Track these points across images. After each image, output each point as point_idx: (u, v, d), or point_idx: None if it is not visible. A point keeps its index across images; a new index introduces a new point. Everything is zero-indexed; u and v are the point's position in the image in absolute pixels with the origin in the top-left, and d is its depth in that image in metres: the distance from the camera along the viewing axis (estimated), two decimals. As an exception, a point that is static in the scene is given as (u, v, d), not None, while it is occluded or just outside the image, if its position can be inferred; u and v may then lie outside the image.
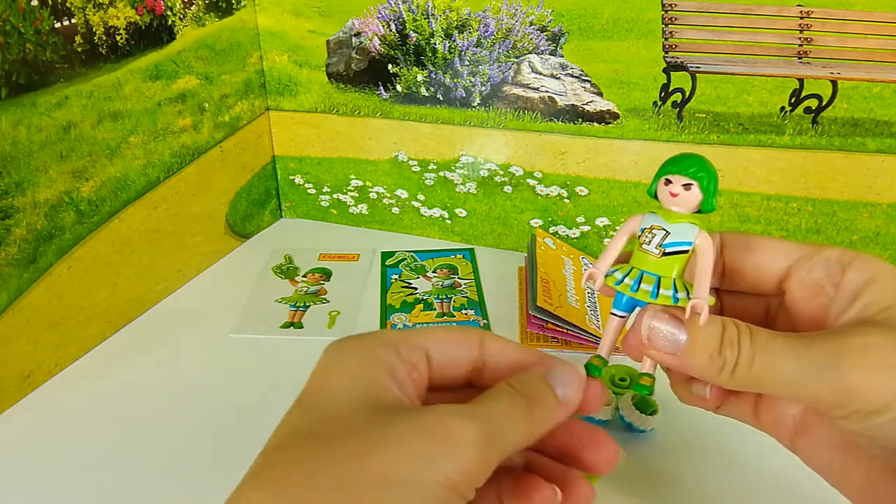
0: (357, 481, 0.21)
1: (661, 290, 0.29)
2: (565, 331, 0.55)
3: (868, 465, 0.27)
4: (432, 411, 0.23)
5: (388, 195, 0.74)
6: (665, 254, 0.29)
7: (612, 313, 0.31)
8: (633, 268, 0.30)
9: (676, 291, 0.29)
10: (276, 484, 0.22)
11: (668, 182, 0.29)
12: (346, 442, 0.22)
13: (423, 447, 0.22)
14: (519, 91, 0.64)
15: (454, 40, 0.64)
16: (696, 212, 0.29)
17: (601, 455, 0.29)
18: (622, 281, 0.30)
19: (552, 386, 0.27)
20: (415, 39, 0.65)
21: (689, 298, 0.28)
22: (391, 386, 0.25)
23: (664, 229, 0.29)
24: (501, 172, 0.68)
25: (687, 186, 0.29)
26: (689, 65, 0.58)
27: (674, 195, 0.29)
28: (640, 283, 0.29)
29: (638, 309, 0.30)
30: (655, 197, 0.30)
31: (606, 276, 0.30)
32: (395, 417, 0.23)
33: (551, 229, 0.69)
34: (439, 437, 0.22)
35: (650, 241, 0.30)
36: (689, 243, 0.29)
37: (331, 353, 0.27)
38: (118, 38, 0.55)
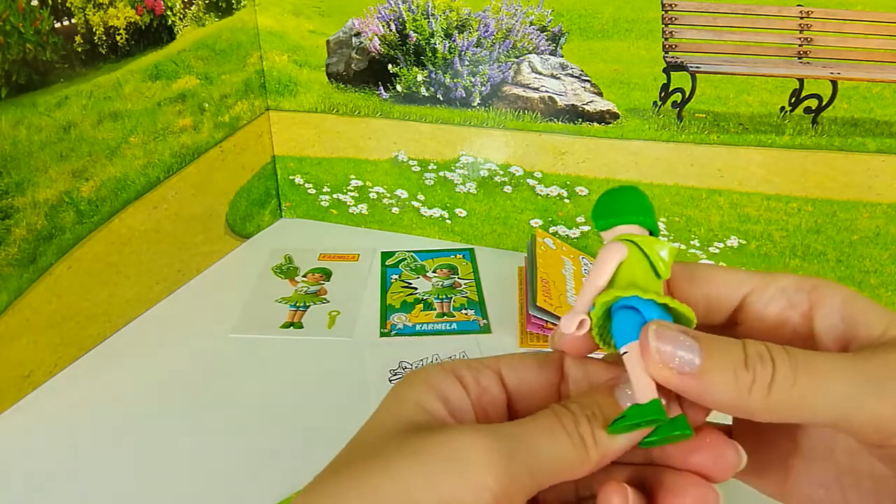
0: (348, 500, 0.21)
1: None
2: (565, 331, 0.55)
3: (875, 494, 0.24)
4: (452, 429, 0.22)
5: (388, 195, 0.74)
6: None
7: (622, 353, 0.24)
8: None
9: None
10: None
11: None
12: (357, 463, 0.22)
13: (424, 466, 0.21)
14: (519, 91, 0.64)
15: (454, 40, 0.64)
16: None
17: (715, 458, 0.24)
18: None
19: (619, 399, 0.23)
20: (415, 39, 0.65)
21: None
22: (434, 408, 0.24)
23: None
24: (501, 172, 0.68)
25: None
26: (689, 65, 0.58)
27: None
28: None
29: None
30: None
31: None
32: (412, 437, 0.22)
33: (551, 229, 0.69)
34: (443, 454, 0.21)
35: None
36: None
37: (401, 384, 0.25)
38: (118, 38, 0.55)
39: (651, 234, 0.25)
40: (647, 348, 0.22)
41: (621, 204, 0.26)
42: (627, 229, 0.25)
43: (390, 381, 0.53)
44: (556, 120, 0.64)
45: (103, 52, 0.54)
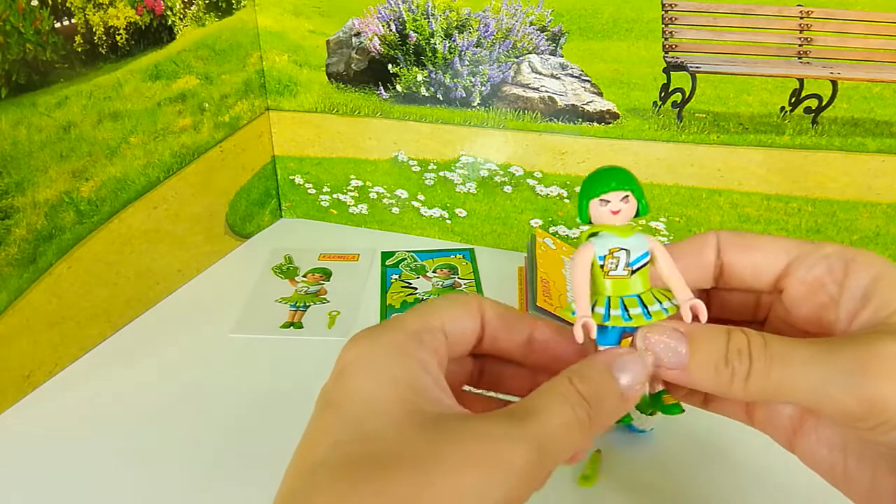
0: None
1: (649, 308, 0.28)
2: (565, 331, 0.55)
3: (874, 464, 0.26)
4: (482, 431, 0.22)
5: (388, 195, 0.74)
6: (633, 271, 0.28)
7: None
8: (609, 297, 0.28)
9: (661, 302, 0.28)
10: None
11: (605, 202, 0.28)
12: (399, 472, 0.21)
13: (476, 478, 0.21)
14: (519, 91, 0.64)
15: (454, 40, 0.64)
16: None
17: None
18: (610, 315, 0.28)
19: (617, 380, 0.25)
20: (415, 39, 0.65)
21: (675, 304, 0.27)
22: (429, 386, 0.24)
23: (624, 249, 0.28)
24: (501, 172, 0.68)
25: (625, 199, 0.28)
26: (689, 65, 0.58)
27: (615, 212, 0.28)
28: (627, 310, 0.28)
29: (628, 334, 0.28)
30: (588, 222, 0.28)
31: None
32: (443, 437, 0.22)
33: (551, 229, 0.69)
34: (491, 464, 0.21)
35: (618, 265, 0.28)
36: (647, 253, 0.28)
37: (360, 350, 0.25)
38: (118, 38, 0.55)
39: (637, 200, 0.28)
40: (638, 351, 0.26)
41: (601, 179, 0.28)
42: (607, 201, 0.28)
43: (390, 381, 0.53)
44: (556, 120, 0.64)
45: (103, 52, 0.54)
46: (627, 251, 0.28)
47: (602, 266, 0.28)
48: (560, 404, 0.24)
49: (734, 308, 0.30)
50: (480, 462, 0.21)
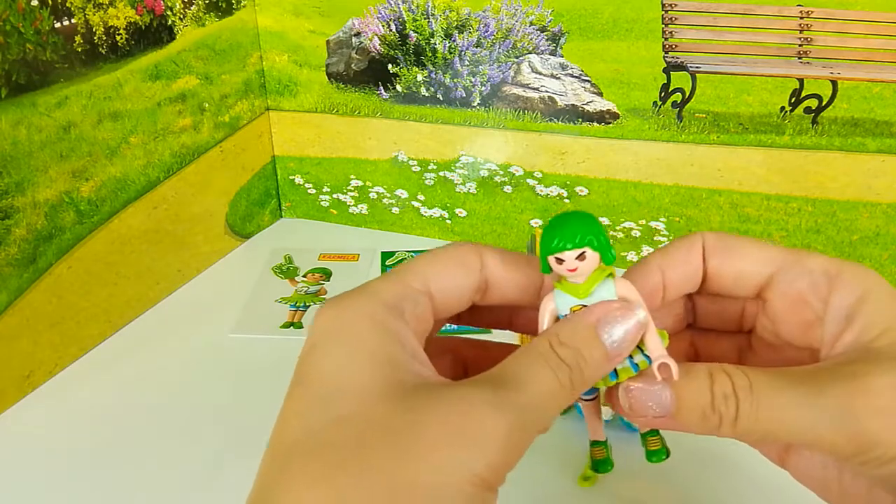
0: (387, 495, 0.20)
1: (617, 367, 0.26)
2: (565, 331, 0.55)
3: (870, 482, 0.25)
4: (461, 400, 0.21)
5: (388, 195, 0.74)
6: None
7: (580, 399, 0.28)
8: None
9: (632, 358, 0.26)
10: (295, 498, 0.20)
11: (560, 261, 0.26)
12: (374, 452, 0.21)
13: (455, 450, 0.21)
14: (519, 91, 0.64)
15: (454, 40, 0.64)
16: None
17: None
18: None
19: (601, 337, 0.24)
20: (415, 39, 0.65)
21: (647, 359, 0.25)
22: (405, 360, 0.23)
23: (584, 306, 0.27)
24: (501, 172, 0.68)
25: (581, 257, 0.26)
26: (689, 65, 0.58)
27: (572, 271, 0.26)
28: None
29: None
30: (549, 272, 0.27)
31: None
32: (419, 411, 0.21)
33: (551, 229, 0.69)
34: (470, 435, 0.21)
35: None
36: None
37: (331, 324, 0.24)
38: (118, 38, 0.55)
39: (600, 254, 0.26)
40: (621, 405, 0.25)
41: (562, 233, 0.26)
42: (563, 260, 0.26)
43: (390, 381, 0.52)
44: (556, 120, 0.64)
45: (103, 52, 0.54)
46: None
47: None
48: (542, 370, 0.23)
49: (720, 316, 0.29)
50: (460, 435, 0.21)
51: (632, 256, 0.67)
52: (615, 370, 0.25)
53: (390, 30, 0.66)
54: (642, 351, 0.26)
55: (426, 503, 0.20)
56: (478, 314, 0.30)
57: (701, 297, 0.30)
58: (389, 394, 0.22)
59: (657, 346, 0.25)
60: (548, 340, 0.24)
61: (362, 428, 0.21)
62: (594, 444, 0.30)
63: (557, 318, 0.27)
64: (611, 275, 0.27)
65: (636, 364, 0.25)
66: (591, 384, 0.25)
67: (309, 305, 0.63)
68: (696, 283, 0.28)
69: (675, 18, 0.57)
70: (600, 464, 0.30)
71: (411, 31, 0.65)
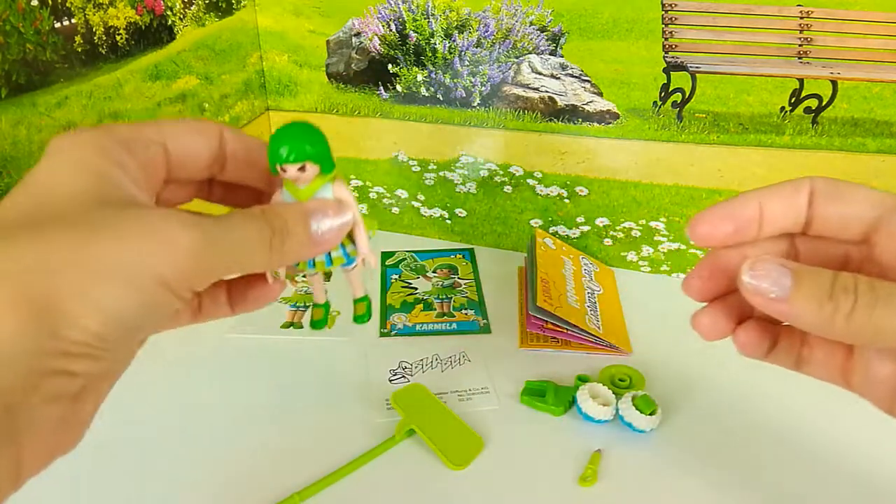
0: (61, 262, 0.22)
1: (333, 253, 0.33)
2: (565, 331, 0.55)
3: None
4: (159, 214, 0.24)
5: (388, 195, 0.74)
6: None
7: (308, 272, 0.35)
8: None
9: (344, 247, 0.33)
10: None
11: (284, 169, 0.30)
12: (67, 229, 0.23)
13: (140, 244, 0.23)
14: (519, 91, 0.64)
15: (454, 40, 0.64)
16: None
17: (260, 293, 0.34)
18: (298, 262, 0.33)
19: (309, 223, 0.28)
20: (415, 39, 0.65)
21: (354, 249, 0.33)
22: (122, 183, 0.25)
23: None
24: (501, 172, 0.68)
25: (301, 168, 0.30)
26: (689, 65, 0.58)
27: (296, 179, 0.31)
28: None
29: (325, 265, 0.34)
30: (276, 173, 0.31)
31: None
32: (119, 213, 0.24)
33: (551, 229, 0.69)
34: (158, 237, 0.23)
35: None
36: None
37: (60, 143, 0.26)
38: (118, 38, 0.55)
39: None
40: (741, 282, 0.27)
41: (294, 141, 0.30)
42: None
43: (390, 381, 0.53)
44: (556, 120, 0.64)
45: (103, 52, 0.54)
46: None
47: None
48: (247, 221, 0.27)
49: (824, 259, 0.30)
50: (146, 235, 0.23)
51: (632, 256, 0.68)
52: (330, 257, 0.33)
53: (390, 30, 0.66)
54: (353, 243, 0.33)
55: (91, 279, 0.22)
56: (225, 193, 0.34)
57: (805, 240, 0.30)
58: (92, 199, 0.24)
59: (364, 244, 0.33)
60: (262, 207, 0.28)
61: (59, 216, 0.23)
62: (315, 305, 0.38)
63: None
64: (332, 179, 0.32)
65: (348, 254, 0.33)
66: (293, 256, 0.29)
67: (309, 305, 0.63)
68: (798, 223, 0.29)
69: (675, 18, 0.57)
70: (315, 323, 0.38)
71: (411, 31, 0.65)
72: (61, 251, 0.22)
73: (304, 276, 0.36)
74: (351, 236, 0.34)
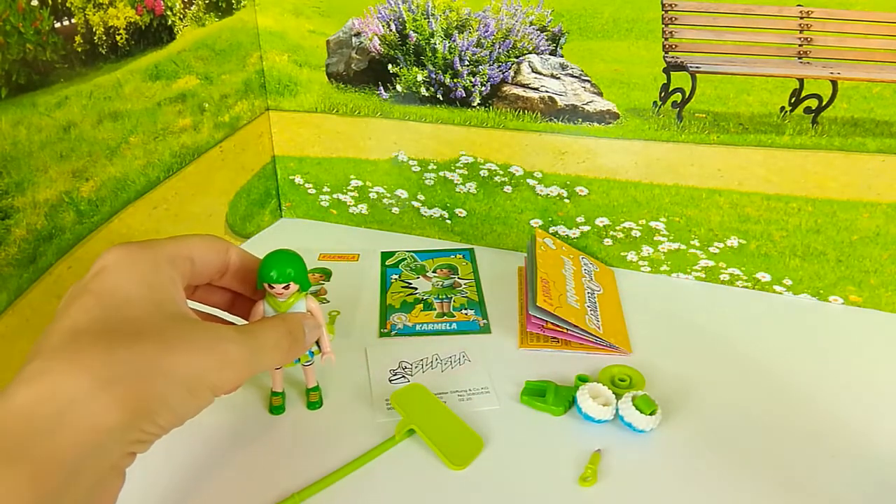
0: (150, 370, 0.28)
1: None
2: (565, 331, 0.55)
3: None
4: (216, 331, 0.32)
5: (388, 195, 0.74)
6: None
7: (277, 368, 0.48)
8: None
9: (310, 349, 0.45)
10: (81, 361, 0.28)
11: (271, 286, 0.41)
12: (146, 340, 0.29)
13: (205, 360, 0.31)
14: (519, 91, 0.64)
15: (454, 40, 0.64)
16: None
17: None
18: None
19: (305, 331, 0.41)
20: (415, 39, 0.65)
21: (317, 348, 0.46)
22: (175, 296, 0.33)
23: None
24: (501, 172, 0.68)
25: (286, 287, 0.41)
26: (689, 65, 0.58)
27: (280, 294, 0.42)
28: None
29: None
30: (262, 287, 0.42)
31: None
32: (185, 327, 0.31)
33: (551, 229, 0.69)
34: (217, 355, 0.31)
35: None
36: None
37: (122, 258, 0.32)
38: (118, 38, 0.55)
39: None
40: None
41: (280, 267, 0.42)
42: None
43: (390, 381, 0.53)
44: (556, 120, 0.64)
45: (103, 52, 0.54)
46: None
47: None
48: (272, 330, 0.37)
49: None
50: (209, 350, 0.31)
51: (632, 256, 0.68)
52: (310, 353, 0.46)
53: (390, 30, 0.66)
54: (318, 345, 0.46)
55: (170, 388, 0.29)
56: (208, 294, 0.43)
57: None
58: (161, 312, 0.31)
59: (327, 344, 0.46)
60: (282, 318, 0.40)
61: (139, 326, 0.30)
62: (274, 394, 0.49)
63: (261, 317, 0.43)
64: (305, 295, 0.44)
65: (312, 353, 0.47)
66: (296, 356, 0.42)
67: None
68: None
69: (675, 18, 0.57)
70: (275, 409, 0.49)
71: (411, 31, 0.65)
72: (149, 361, 0.29)
73: (275, 368, 0.48)
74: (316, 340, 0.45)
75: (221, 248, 0.39)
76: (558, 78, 0.63)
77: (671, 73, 0.59)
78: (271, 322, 0.38)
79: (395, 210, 0.75)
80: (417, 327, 0.59)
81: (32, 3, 0.47)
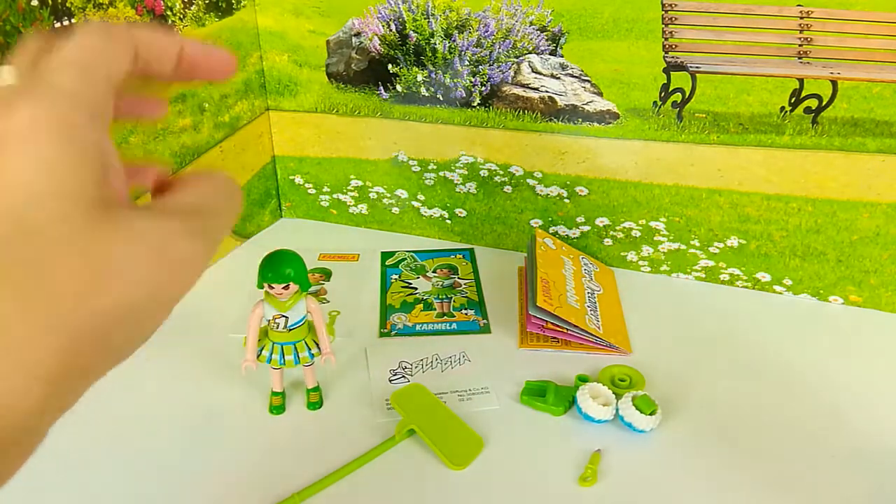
0: (72, 329, 0.19)
1: (300, 354, 0.46)
2: (565, 331, 0.55)
3: None
4: (157, 232, 0.22)
5: (388, 195, 0.74)
6: (290, 329, 0.45)
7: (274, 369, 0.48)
8: (273, 343, 0.46)
9: (310, 349, 0.46)
10: None
11: (271, 287, 0.43)
12: (65, 268, 0.20)
13: (159, 274, 0.21)
14: (519, 91, 0.64)
15: (454, 40, 0.64)
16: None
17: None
18: (271, 358, 0.46)
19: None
20: (415, 39, 0.65)
21: (319, 351, 0.47)
22: (97, 176, 0.22)
23: (284, 316, 0.44)
24: (501, 172, 0.68)
25: (286, 287, 0.42)
26: (689, 65, 0.58)
27: (280, 294, 0.43)
28: (284, 356, 0.46)
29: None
30: (262, 288, 0.44)
31: (258, 357, 0.47)
32: (115, 232, 0.21)
33: (551, 229, 0.69)
34: (176, 264, 0.22)
35: (279, 326, 0.45)
36: (305, 316, 0.45)
37: (21, 122, 0.21)
38: (118, 38, 0.55)
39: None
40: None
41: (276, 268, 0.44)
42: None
43: (390, 381, 0.53)
44: (556, 120, 0.64)
45: (103, 52, 0.54)
46: (286, 317, 0.45)
47: (268, 325, 0.46)
48: (215, 196, 0.25)
49: None
50: (165, 262, 0.22)
51: (632, 256, 0.68)
52: (298, 357, 0.46)
53: (390, 30, 0.66)
54: (318, 345, 0.47)
55: (110, 313, 0.20)
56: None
57: None
58: (78, 211, 0.21)
59: (326, 346, 0.47)
60: (209, 176, 0.26)
61: (50, 247, 0.20)
62: (274, 394, 0.49)
63: (262, 319, 0.46)
64: (305, 295, 0.45)
65: (312, 355, 0.47)
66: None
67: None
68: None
69: (675, 18, 0.57)
70: (275, 409, 0.49)
71: (411, 31, 0.65)
72: (65, 305, 0.20)
73: (274, 368, 0.47)
74: (316, 340, 0.47)
75: (128, 44, 0.24)
76: (558, 78, 0.63)
77: (671, 73, 0.59)
78: (204, 187, 0.25)
79: (395, 210, 0.75)
80: (417, 327, 0.59)
81: (32, 4, 0.47)
